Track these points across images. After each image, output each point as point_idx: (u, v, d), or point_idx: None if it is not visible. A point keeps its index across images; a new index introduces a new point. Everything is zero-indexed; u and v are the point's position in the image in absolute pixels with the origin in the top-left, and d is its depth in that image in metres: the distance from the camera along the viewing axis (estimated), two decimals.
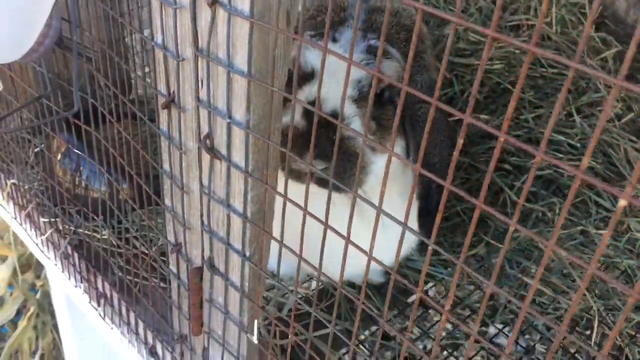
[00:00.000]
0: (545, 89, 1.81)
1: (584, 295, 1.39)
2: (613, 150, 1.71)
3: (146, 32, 0.82)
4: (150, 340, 1.22)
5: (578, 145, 1.68)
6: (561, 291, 1.43)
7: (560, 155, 1.63)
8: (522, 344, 1.46)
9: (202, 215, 0.88)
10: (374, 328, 1.41)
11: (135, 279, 1.24)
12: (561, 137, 1.69)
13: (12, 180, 1.55)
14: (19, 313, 2.32)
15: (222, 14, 0.68)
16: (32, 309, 2.23)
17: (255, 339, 0.89)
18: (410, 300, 1.48)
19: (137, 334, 1.25)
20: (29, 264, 2.14)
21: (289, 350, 0.85)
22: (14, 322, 2.37)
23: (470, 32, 1.87)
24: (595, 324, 1.36)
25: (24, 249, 2.00)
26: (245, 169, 0.76)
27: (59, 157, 1.47)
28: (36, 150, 1.51)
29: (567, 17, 2.01)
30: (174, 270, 1.01)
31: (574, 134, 1.71)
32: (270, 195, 0.80)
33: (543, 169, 1.62)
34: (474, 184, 1.60)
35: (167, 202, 0.94)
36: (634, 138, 1.78)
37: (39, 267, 2.16)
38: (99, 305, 1.38)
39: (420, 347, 1.75)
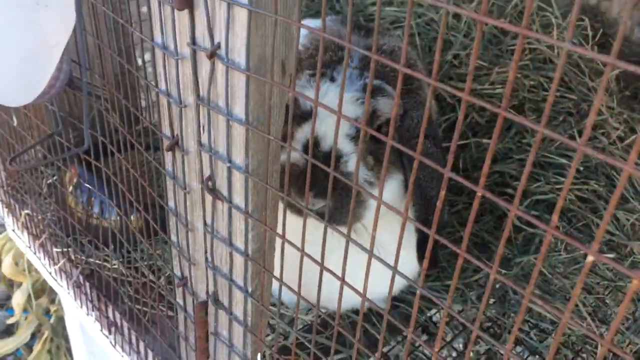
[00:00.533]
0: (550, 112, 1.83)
1: (586, 319, 1.39)
2: (616, 172, 1.73)
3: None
4: None
5: (581, 168, 1.70)
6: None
7: (562, 179, 1.65)
8: None
9: (206, 252, 0.91)
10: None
11: (144, 308, 1.27)
12: (563, 160, 1.70)
13: (26, 211, 1.59)
14: (33, 337, 2.36)
15: (220, 66, 0.72)
16: (46, 333, 2.27)
17: None
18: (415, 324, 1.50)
19: None
20: (43, 289, 2.18)
21: None
22: (28, 346, 2.41)
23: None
24: (599, 348, 1.37)
25: (38, 275, 2.04)
26: (246, 210, 0.79)
27: (70, 188, 1.51)
28: (49, 182, 1.56)
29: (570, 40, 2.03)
30: (181, 302, 1.04)
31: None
32: (270, 234, 0.83)
33: (546, 193, 1.63)
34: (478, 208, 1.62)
35: (173, 237, 0.98)
36: (637, 160, 1.79)
37: (53, 292, 2.20)
38: (109, 333, 1.41)
39: None
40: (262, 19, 0.66)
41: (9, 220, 1.77)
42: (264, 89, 0.71)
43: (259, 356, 0.92)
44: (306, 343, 0.81)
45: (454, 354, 1.53)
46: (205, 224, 0.88)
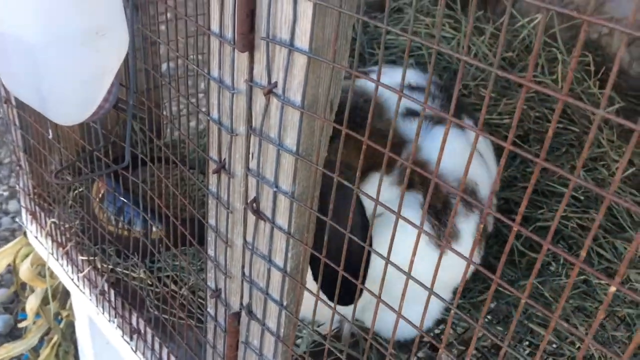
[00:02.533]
0: (552, 143, 1.93)
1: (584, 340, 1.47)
2: (615, 203, 1.82)
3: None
4: None
5: (582, 197, 1.79)
6: (565, 338, 1.52)
7: (566, 207, 1.74)
8: None
9: (243, 267, 0.99)
10: None
11: (171, 318, 1.34)
12: (564, 189, 1.79)
13: (53, 219, 1.66)
14: (41, 341, 2.41)
15: (275, 102, 0.80)
16: (55, 338, 2.32)
17: None
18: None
19: None
20: (54, 294, 2.24)
21: None
22: (35, 350, 2.46)
23: (480, 88, 2.00)
24: None
25: (53, 280, 2.10)
26: (288, 230, 0.87)
27: (98, 199, 1.59)
28: (79, 191, 1.63)
29: (573, 74, 2.13)
30: (212, 313, 1.11)
31: (578, 187, 1.82)
32: (308, 253, 0.91)
33: (548, 220, 1.72)
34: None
35: (210, 252, 1.06)
36: (634, 192, 1.89)
37: (64, 298, 2.26)
38: (131, 339, 1.48)
39: None
40: (319, 64, 0.75)
41: (32, 228, 1.84)
42: (315, 124, 0.80)
43: None
44: (335, 352, 0.88)
45: None
46: (245, 241, 0.96)
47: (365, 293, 0.93)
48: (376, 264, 0.85)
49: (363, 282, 0.84)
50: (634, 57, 2.91)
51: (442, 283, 1.23)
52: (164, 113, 1.96)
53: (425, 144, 1.26)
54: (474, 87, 2.00)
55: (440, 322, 1.55)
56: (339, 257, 0.80)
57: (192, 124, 2.01)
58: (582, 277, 1.64)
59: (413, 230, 0.71)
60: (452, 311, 0.73)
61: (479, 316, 1.54)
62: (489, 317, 1.60)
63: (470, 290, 1.61)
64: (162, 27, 1.32)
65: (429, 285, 0.71)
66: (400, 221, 0.92)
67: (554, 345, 1.53)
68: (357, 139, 0.69)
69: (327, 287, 0.90)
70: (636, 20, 0.46)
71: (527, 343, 1.54)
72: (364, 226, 1.02)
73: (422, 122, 0.69)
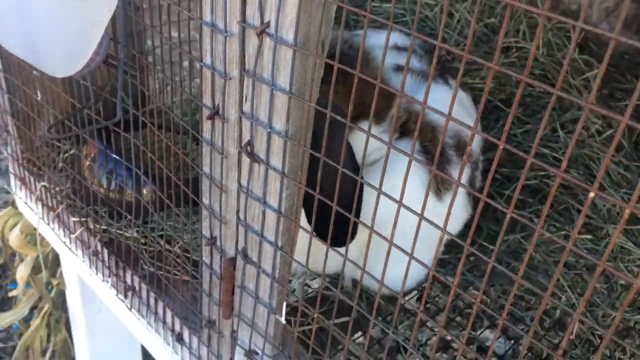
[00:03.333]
0: (532, 106, 1.98)
1: (566, 292, 1.54)
2: (594, 163, 1.88)
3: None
4: (177, 327, 1.35)
5: (562, 157, 1.84)
6: (545, 289, 1.58)
7: (546, 166, 1.79)
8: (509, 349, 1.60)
9: (238, 212, 1.02)
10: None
11: (166, 273, 1.37)
12: (546, 150, 1.85)
13: (43, 183, 1.67)
14: (31, 311, 2.43)
15: (268, 42, 0.83)
16: (46, 307, 2.34)
17: (283, 320, 1.03)
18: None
19: (164, 322, 1.38)
20: (45, 263, 2.25)
21: (313, 334, 0.98)
22: (26, 320, 2.47)
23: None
24: (576, 321, 1.51)
25: (44, 248, 2.11)
26: (282, 171, 0.90)
27: (88, 162, 1.60)
28: (69, 153, 1.64)
29: (553, 40, 2.18)
30: (207, 261, 1.14)
31: (558, 147, 1.87)
32: (302, 193, 0.94)
33: (530, 179, 1.77)
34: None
35: (205, 200, 1.08)
36: (614, 153, 1.94)
37: (54, 267, 2.27)
38: (125, 297, 1.50)
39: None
40: (310, 2, 0.77)
41: (21, 194, 1.85)
42: (307, 63, 0.82)
43: (284, 305, 1.03)
44: (334, 290, 0.92)
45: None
46: (240, 185, 0.99)
47: (359, 239, 0.96)
48: (368, 210, 0.87)
49: (356, 222, 0.87)
50: (613, 27, 2.96)
51: (435, 233, 1.28)
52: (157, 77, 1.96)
53: (418, 98, 1.30)
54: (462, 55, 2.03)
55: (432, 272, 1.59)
56: (332, 197, 0.83)
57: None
58: (562, 233, 1.70)
59: (412, 178, 0.74)
60: (431, 274, 0.77)
61: (464, 272, 1.59)
62: (475, 272, 1.65)
63: (457, 246, 1.66)
64: None
65: (425, 231, 0.74)
66: (395, 166, 0.96)
67: (538, 297, 1.58)
68: (346, 87, 0.72)
69: (321, 228, 0.93)
70: None
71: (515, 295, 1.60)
72: (354, 168, 1.06)
73: (405, 78, 0.71)
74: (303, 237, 0.93)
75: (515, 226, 1.69)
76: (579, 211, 1.74)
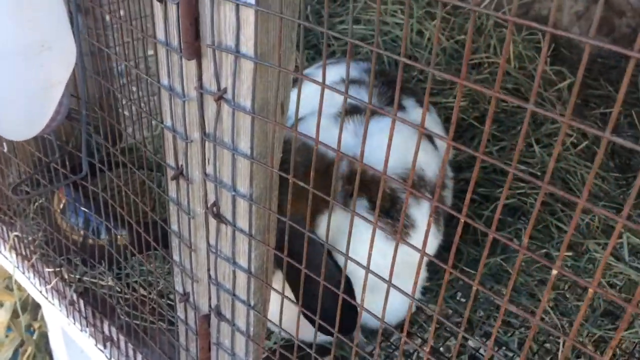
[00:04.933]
0: (507, 122, 1.98)
1: (549, 313, 1.53)
2: (570, 176, 1.88)
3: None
4: None
5: (538, 173, 1.84)
6: (530, 311, 1.58)
7: (523, 184, 1.79)
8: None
9: (209, 270, 1.00)
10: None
11: (142, 323, 1.34)
12: (522, 167, 1.85)
13: (15, 233, 1.64)
14: (15, 354, 2.38)
15: (226, 108, 0.81)
16: (29, 350, 2.30)
17: None
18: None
19: None
20: (24, 307, 2.21)
21: None
22: None
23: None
24: (561, 339, 1.51)
25: (22, 292, 2.08)
26: (249, 232, 0.88)
27: (61, 209, 1.57)
28: (39, 203, 1.61)
29: (524, 52, 2.18)
30: (182, 316, 1.12)
31: (535, 163, 1.87)
32: (271, 253, 0.92)
33: (508, 198, 1.77)
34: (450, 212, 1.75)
35: (176, 257, 1.06)
36: (589, 164, 1.95)
37: (35, 309, 2.23)
38: (105, 347, 1.47)
39: None
40: (266, 68, 0.76)
41: None
42: (267, 128, 0.81)
43: None
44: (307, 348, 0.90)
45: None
46: (208, 244, 0.97)
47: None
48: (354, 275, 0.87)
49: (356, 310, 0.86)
50: (584, 32, 2.99)
51: (414, 264, 1.27)
52: (124, 114, 1.94)
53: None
54: (429, 72, 2.03)
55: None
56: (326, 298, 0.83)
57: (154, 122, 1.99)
58: (543, 251, 1.70)
59: (368, 235, 0.73)
60: (413, 303, 0.76)
61: (445, 297, 1.58)
62: (458, 298, 1.64)
63: (438, 272, 1.65)
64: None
65: (406, 271, 0.73)
66: (359, 232, 0.93)
67: (520, 319, 1.58)
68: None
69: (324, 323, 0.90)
70: None
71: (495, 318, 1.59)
72: (338, 269, 1.05)
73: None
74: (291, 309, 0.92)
75: (495, 248, 1.68)
76: (558, 228, 1.74)
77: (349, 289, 0.96)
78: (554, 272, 0.59)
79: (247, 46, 0.73)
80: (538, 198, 0.59)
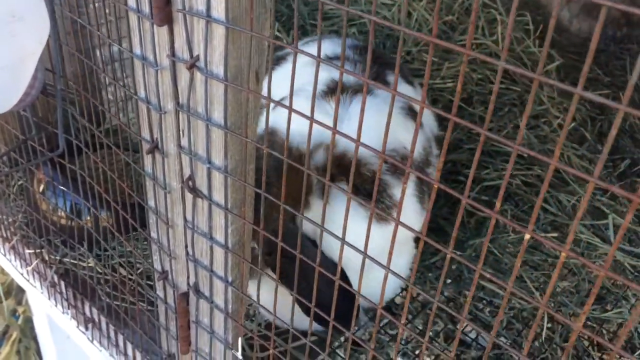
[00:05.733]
0: (494, 104, 1.96)
1: (533, 293, 1.53)
2: (558, 158, 1.87)
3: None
4: None
5: (525, 155, 1.83)
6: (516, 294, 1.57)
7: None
8: (482, 342, 1.59)
9: (186, 247, 0.98)
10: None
11: (123, 304, 1.32)
12: (509, 149, 1.83)
13: None
14: (1, 337, 2.37)
15: (199, 76, 0.79)
16: (14, 335, 2.28)
17: (239, 355, 1.00)
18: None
19: (125, 354, 1.34)
20: (9, 291, 2.19)
21: None
22: None
23: (423, 53, 2.01)
24: (545, 320, 1.50)
25: (5, 277, 2.05)
26: (225, 206, 0.86)
27: (41, 189, 1.54)
28: (18, 184, 1.58)
29: (512, 34, 2.16)
30: (161, 295, 1.10)
31: (522, 144, 1.86)
32: (249, 227, 0.90)
33: (494, 180, 1.76)
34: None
35: (153, 234, 1.04)
36: (576, 146, 1.94)
37: (19, 294, 2.21)
38: (86, 329, 1.46)
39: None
40: (238, 34, 0.74)
41: None
42: (241, 97, 0.79)
43: (239, 340, 1.00)
44: (287, 325, 0.89)
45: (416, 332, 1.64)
46: (185, 220, 0.95)
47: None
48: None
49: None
50: (573, 14, 2.97)
51: (403, 238, 1.25)
52: (107, 97, 1.91)
53: (343, 128, 1.23)
54: (416, 53, 2.01)
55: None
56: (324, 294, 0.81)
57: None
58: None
59: (356, 216, 0.72)
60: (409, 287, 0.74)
61: (430, 278, 1.57)
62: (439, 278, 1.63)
63: (423, 252, 1.64)
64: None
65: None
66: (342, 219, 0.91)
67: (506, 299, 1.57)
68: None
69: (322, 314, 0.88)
70: None
71: (481, 299, 1.59)
72: (333, 265, 1.04)
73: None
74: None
75: (480, 230, 1.67)
76: (544, 209, 1.74)
77: (344, 276, 0.94)
78: (527, 236, 0.58)
79: (218, 10, 0.71)
80: (517, 183, 0.58)
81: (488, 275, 0.63)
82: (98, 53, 1.76)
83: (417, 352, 1.52)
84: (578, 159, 1.88)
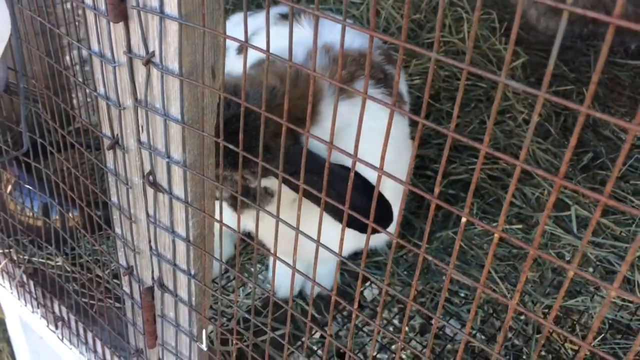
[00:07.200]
0: (461, 100, 2.00)
1: (498, 284, 1.57)
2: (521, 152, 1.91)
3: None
4: (108, 357, 1.32)
5: (491, 149, 1.87)
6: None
7: (475, 160, 1.82)
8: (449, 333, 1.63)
9: (150, 241, 0.99)
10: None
11: (91, 302, 1.33)
12: (476, 144, 1.87)
13: None
14: None
15: (155, 72, 0.80)
16: None
17: (204, 347, 1.01)
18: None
19: (95, 352, 1.35)
20: None
21: (233, 354, 0.97)
22: None
23: (392, 51, 2.04)
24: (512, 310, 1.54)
25: None
26: (185, 200, 0.88)
27: (8, 190, 1.54)
28: None
29: (478, 32, 2.21)
30: (127, 290, 1.11)
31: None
32: (209, 220, 0.92)
33: (461, 174, 1.80)
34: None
35: (117, 230, 1.05)
36: (541, 140, 1.99)
37: None
38: (56, 328, 1.46)
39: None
40: (192, 30, 0.75)
41: None
42: (197, 91, 0.80)
43: (204, 333, 1.02)
44: (248, 317, 0.91)
45: (391, 328, 1.68)
46: (147, 215, 0.96)
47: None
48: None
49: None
50: (541, 13, 3.03)
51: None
52: (77, 96, 1.90)
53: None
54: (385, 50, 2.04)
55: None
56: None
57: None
58: (495, 225, 1.73)
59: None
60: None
61: (399, 271, 1.60)
62: (408, 271, 1.67)
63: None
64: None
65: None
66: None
67: (472, 290, 1.61)
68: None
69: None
70: None
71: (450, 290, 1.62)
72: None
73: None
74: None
75: (447, 222, 1.71)
76: (510, 203, 1.78)
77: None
78: (496, 235, 0.60)
79: (171, 6, 0.73)
80: (484, 177, 0.60)
81: (458, 278, 0.65)
82: (70, 54, 1.76)
83: (393, 346, 1.55)
84: (542, 152, 1.92)
